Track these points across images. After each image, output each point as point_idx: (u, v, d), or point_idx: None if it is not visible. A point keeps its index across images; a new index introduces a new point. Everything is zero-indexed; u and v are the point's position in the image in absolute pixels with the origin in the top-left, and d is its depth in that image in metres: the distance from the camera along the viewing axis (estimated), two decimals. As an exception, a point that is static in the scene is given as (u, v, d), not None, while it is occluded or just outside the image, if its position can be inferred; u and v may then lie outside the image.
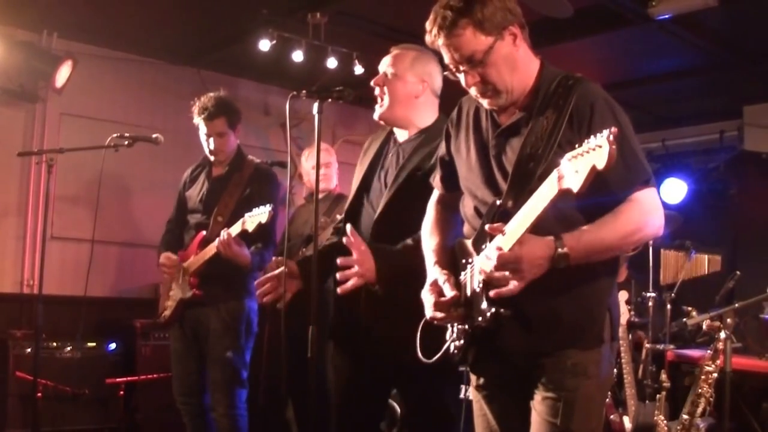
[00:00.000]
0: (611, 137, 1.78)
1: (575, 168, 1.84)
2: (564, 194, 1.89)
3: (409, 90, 3.02)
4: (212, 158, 4.18)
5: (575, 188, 1.84)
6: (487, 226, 2.13)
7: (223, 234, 3.84)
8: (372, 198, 3.06)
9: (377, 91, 3.03)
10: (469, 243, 2.30)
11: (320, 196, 4.67)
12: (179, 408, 4.17)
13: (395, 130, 3.13)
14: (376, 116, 3.05)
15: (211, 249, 3.90)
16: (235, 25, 5.54)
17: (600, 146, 1.80)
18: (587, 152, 1.82)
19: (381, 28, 5.47)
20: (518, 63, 2.25)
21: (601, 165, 1.79)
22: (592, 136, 1.84)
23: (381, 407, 3.22)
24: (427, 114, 3.08)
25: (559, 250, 2.04)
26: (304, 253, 4.76)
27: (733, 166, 6.80)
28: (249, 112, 6.51)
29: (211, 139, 4.11)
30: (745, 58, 5.82)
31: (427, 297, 2.35)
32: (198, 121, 4.11)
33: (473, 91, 2.29)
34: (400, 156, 3.04)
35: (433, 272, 2.40)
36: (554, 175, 1.91)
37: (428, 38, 2.27)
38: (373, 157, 3.13)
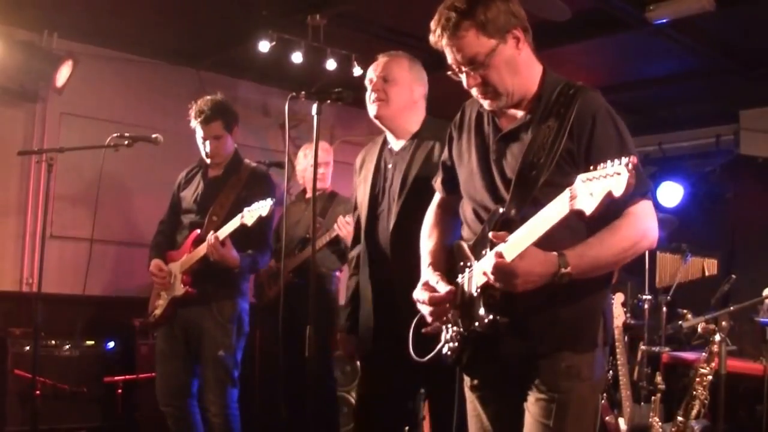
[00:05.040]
0: (630, 166, 1.79)
1: (590, 191, 1.85)
2: (575, 214, 1.91)
3: (408, 95, 3.09)
4: (209, 161, 4.17)
5: (588, 211, 1.86)
6: (491, 234, 2.14)
7: (210, 237, 3.86)
8: (383, 211, 3.11)
9: (374, 96, 3.07)
10: (467, 246, 2.32)
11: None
12: (163, 411, 4.13)
13: (388, 137, 3.19)
14: (372, 113, 3.08)
15: (204, 248, 3.92)
16: (235, 27, 5.56)
17: (619, 174, 1.80)
18: (604, 177, 1.83)
19: (380, 30, 5.49)
20: (520, 67, 2.26)
21: (618, 192, 1.80)
22: (609, 162, 1.83)
23: (406, 406, 3.27)
24: (418, 117, 3.16)
25: (563, 269, 2.06)
26: (299, 255, 4.75)
27: (729, 169, 6.82)
28: (248, 113, 6.53)
29: (208, 143, 4.10)
30: (742, 62, 5.84)
31: (421, 294, 2.37)
32: (195, 124, 4.11)
33: (474, 92, 2.30)
34: (399, 165, 3.09)
35: (426, 273, 2.43)
36: (566, 194, 1.91)
37: (432, 38, 2.28)
38: (374, 170, 3.18)
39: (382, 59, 3.13)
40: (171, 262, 4.13)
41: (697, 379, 4.12)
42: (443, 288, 2.30)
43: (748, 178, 6.75)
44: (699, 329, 4.37)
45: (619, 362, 4.54)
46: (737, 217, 6.75)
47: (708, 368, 4.08)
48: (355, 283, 3.33)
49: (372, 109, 3.08)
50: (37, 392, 4.38)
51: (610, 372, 4.63)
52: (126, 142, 4.25)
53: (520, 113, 2.30)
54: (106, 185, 5.07)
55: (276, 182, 4.27)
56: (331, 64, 5.61)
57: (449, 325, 2.33)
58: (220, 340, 4.00)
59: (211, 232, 3.89)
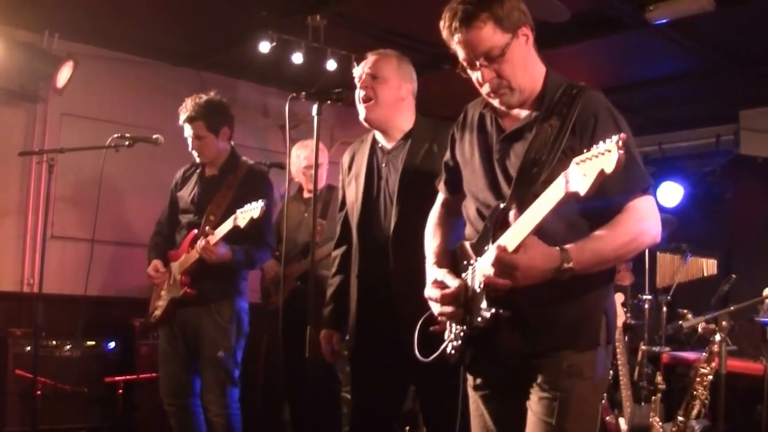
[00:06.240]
0: (620, 142, 1.81)
1: (583, 172, 1.86)
2: (570, 197, 1.92)
3: (396, 93, 3.09)
4: (198, 160, 4.19)
5: (582, 191, 1.86)
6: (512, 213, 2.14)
7: (200, 243, 3.85)
8: (379, 210, 3.10)
9: (363, 93, 3.07)
10: (470, 245, 2.32)
11: (312, 196, 4.68)
12: (166, 410, 4.13)
13: (378, 137, 3.18)
14: (362, 117, 3.09)
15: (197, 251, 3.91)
16: (235, 27, 5.56)
17: (609, 151, 1.82)
18: (596, 156, 1.84)
19: (380, 30, 5.49)
20: (529, 64, 2.29)
21: (609, 169, 1.81)
22: (600, 142, 1.85)
23: (399, 406, 3.26)
24: (409, 116, 3.15)
25: (565, 264, 2.06)
26: (304, 263, 4.72)
27: (728, 170, 6.83)
28: (248, 113, 6.55)
29: (190, 141, 4.12)
30: (742, 63, 5.85)
31: (432, 292, 2.37)
32: (182, 122, 4.14)
33: (486, 89, 2.30)
34: (395, 164, 3.09)
35: (433, 271, 2.44)
36: (561, 178, 1.93)
37: (445, 34, 2.29)
38: (366, 170, 3.16)
39: (371, 57, 3.14)
40: (172, 261, 4.12)
41: (698, 379, 4.12)
42: (453, 282, 2.31)
43: (747, 178, 6.75)
44: (699, 329, 4.38)
45: (619, 362, 4.54)
46: (737, 216, 6.75)
47: (708, 368, 4.08)
48: (340, 281, 3.32)
49: (362, 112, 3.09)
50: (38, 392, 4.40)
51: (611, 372, 4.63)
52: (126, 143, 4.26)
53: (524, 113, 2.32)
54: (107, 186, 5.08)
55: (275, 182, 4.27)
56: (331, 65, 5.61)
57: (453, 324, 2.34)
58: (219, 341, 3.99)
59: (201, 239, 3.88)
